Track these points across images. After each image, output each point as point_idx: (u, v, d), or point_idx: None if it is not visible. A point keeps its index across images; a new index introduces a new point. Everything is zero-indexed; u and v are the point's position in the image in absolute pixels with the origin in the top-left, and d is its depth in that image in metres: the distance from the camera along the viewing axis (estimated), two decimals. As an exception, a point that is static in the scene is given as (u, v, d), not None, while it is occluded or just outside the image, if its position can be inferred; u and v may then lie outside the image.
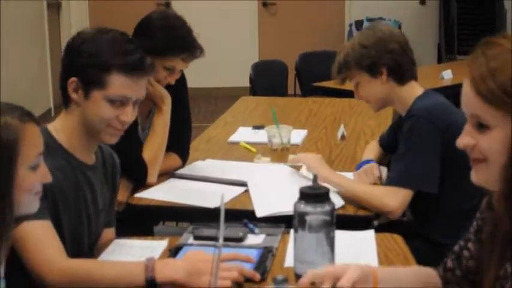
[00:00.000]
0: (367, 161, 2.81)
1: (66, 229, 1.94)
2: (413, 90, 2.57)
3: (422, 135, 2.45)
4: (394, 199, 2.43)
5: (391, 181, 2.50)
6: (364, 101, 2.67)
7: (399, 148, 2.58)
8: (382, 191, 2.48)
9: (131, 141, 2.54)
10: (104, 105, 1.94)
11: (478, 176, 1.35)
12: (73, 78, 1.95)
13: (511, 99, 1.24)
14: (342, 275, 1.45)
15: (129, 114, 1.97)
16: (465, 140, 1.32)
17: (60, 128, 1.99)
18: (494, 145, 1.28)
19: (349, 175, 2.75)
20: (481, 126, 1.30)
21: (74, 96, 1.96)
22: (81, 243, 2.02)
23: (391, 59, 2.53)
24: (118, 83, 1.94)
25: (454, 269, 1.58)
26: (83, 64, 1.95)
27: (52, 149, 1.90)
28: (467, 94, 1.31)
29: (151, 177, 2.67)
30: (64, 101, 2.00)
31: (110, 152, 2.16)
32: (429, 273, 1.62)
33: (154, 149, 2.69)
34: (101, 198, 2.08)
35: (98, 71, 1.94)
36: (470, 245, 1.54)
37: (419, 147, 2.45)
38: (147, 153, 2.66)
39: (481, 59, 1.28)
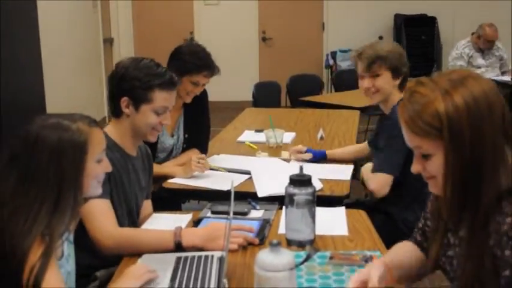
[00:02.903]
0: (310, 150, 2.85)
1: (124, 203, 1.96)
2: (400, 95, 2.48)
3: (395, 136, 2.37)
4: (374, 182, 2.41)
5: (373, 168, 2.46)
6: (373, 91, 2.50)
7: (379, 143, 2.52)
8: (370, 176, 2.46)
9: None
10: (151, 115, 1.97)
11: (432, 188, 1.34)
12: (124, 98, 1.96)
13: (438, 131, 1.23)
14: (367, 277, 1.33)
15: (168, 119, 2.02)
16: (416, 167, 1.33)
17: (114, 131, 2.01)
18: (437, 168, 1.28)
19: (326, 166, 2.75)
20: (424, 156, 1.29)
21: (126, 111, 1.97)
22: (133, 212, 2.03)
23: (407, 70, 2.48)
24: (160, 98, 1.97)
25: (422, 242, 1.54)
26: (130, 86, 1.95)
27: (109, 146, 1.92)
28: (406, 134, 1.30)
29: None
30: (115, 113, 2.01)
31: (145, 146, 2.16)
32: (414, 247, 1.56)
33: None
34: (143, 179, 2.10)
35: (143, 91, 1.95)
36: (429, 222, 1.51)
37: (393, 144, 2.37)
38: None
39: (409, 105, 1.27)
